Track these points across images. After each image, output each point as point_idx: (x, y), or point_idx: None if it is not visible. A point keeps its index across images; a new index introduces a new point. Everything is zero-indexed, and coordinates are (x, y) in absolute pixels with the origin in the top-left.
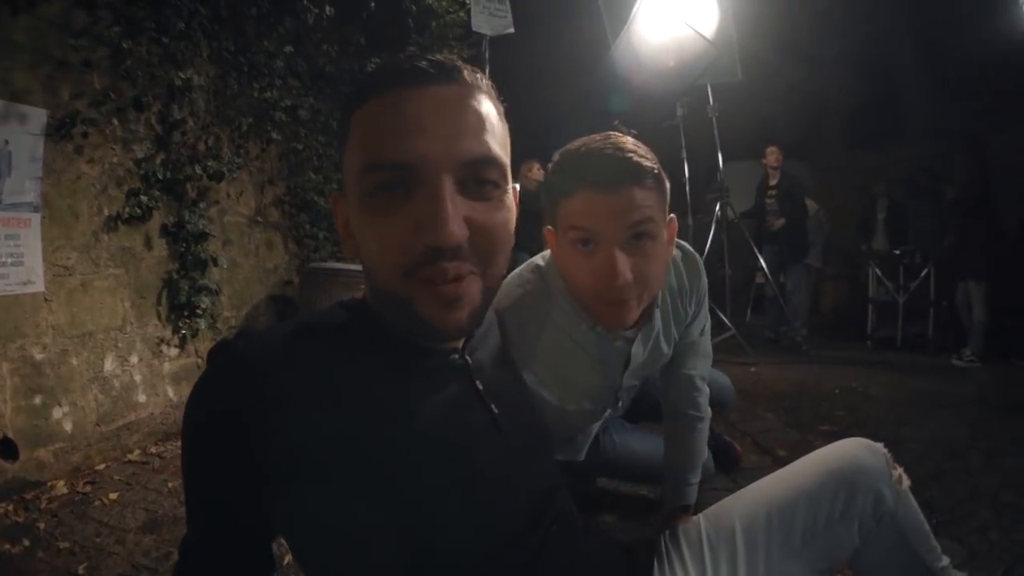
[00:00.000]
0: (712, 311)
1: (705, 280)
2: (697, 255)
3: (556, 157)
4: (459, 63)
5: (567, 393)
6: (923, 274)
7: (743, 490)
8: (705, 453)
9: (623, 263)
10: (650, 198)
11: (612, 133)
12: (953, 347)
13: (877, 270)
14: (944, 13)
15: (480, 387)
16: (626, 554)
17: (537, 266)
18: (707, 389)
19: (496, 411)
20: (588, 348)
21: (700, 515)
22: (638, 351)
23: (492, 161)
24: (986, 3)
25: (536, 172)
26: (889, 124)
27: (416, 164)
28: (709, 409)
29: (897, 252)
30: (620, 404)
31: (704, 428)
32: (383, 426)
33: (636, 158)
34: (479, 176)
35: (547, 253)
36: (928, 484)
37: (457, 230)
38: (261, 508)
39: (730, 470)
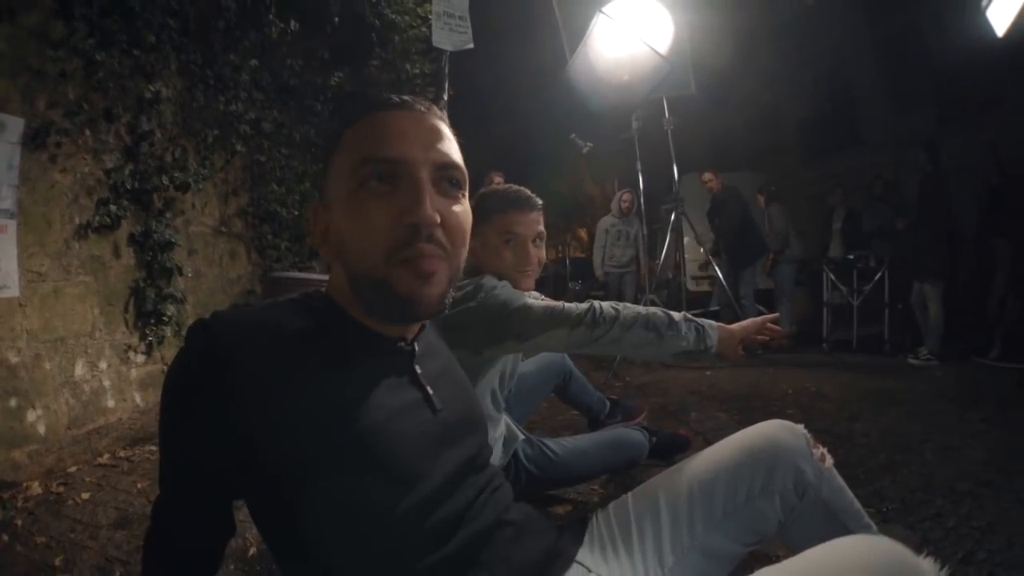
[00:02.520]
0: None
1: None
2: None
3: (480, 196)
4: (429, 102)
5: None
6: (877, 277)
7: (669, 469)
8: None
9: (534, 252)
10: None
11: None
12: (910, 347)
13: (831, 275)
14: (902, 24)
15: (419, 371)
16: (556, 528)
17: (465, 264)
18: None
19: (431, 392)
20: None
21: (629, 493)
22: None
23: (458, 166)
24: (943, 14)
25: (498, 181)
26: (845, 134)
27: (403, 160)
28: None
29: (851, 257)
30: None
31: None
32: (329, 395)
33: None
34: (449, 177)
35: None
36: (879, 475)
37: (432, 213)
38: (225, 464)
39: (678, 453)
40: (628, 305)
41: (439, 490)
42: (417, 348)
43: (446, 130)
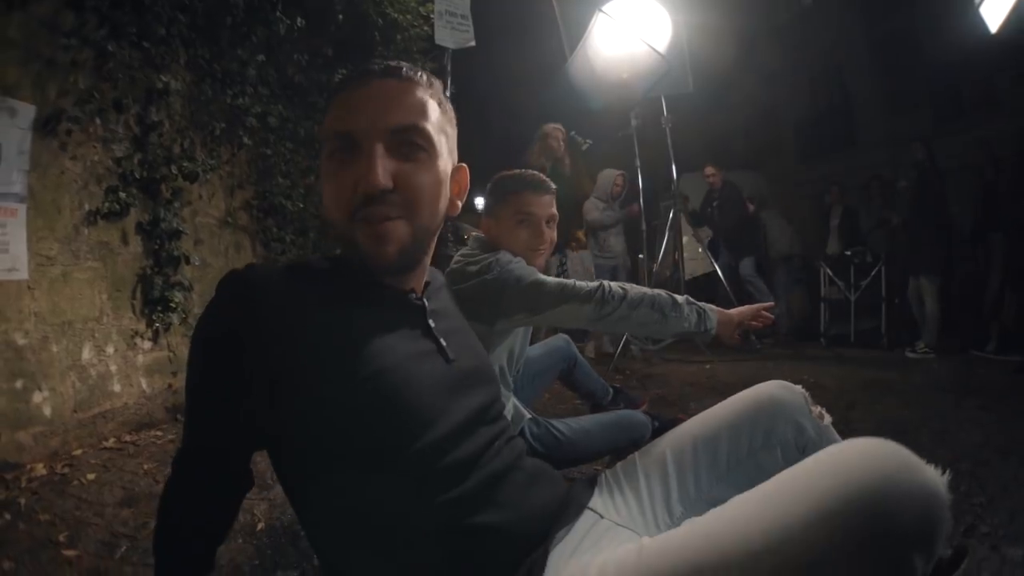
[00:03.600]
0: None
1: None
2: None
3: (497, 179)
4: (404, 65)
5: None
6: (874, 272)
7: (673, 429)
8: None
9: (547, 232)
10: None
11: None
12: (907, 341)
13: (828, 270)
14: (898, 26)
15: (432, 324)
16: (567, 481)
17: (473, 251)
18: None
19: (444, 343)
20: None
21: (636, 452)
22: None
23: (416, 129)
24: (939, 16)
25: (558, 137)
26: (843, 133)
27: (353, 132)
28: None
29: (848, 253)
30: None
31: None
32: (350, 336)
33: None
34: (406, 140)
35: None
36: None
37: (382, 180)
38: (252, 406)
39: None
40: (635, 286)
41: (454, 433)
42: (428, 304)
43: (415, 94)
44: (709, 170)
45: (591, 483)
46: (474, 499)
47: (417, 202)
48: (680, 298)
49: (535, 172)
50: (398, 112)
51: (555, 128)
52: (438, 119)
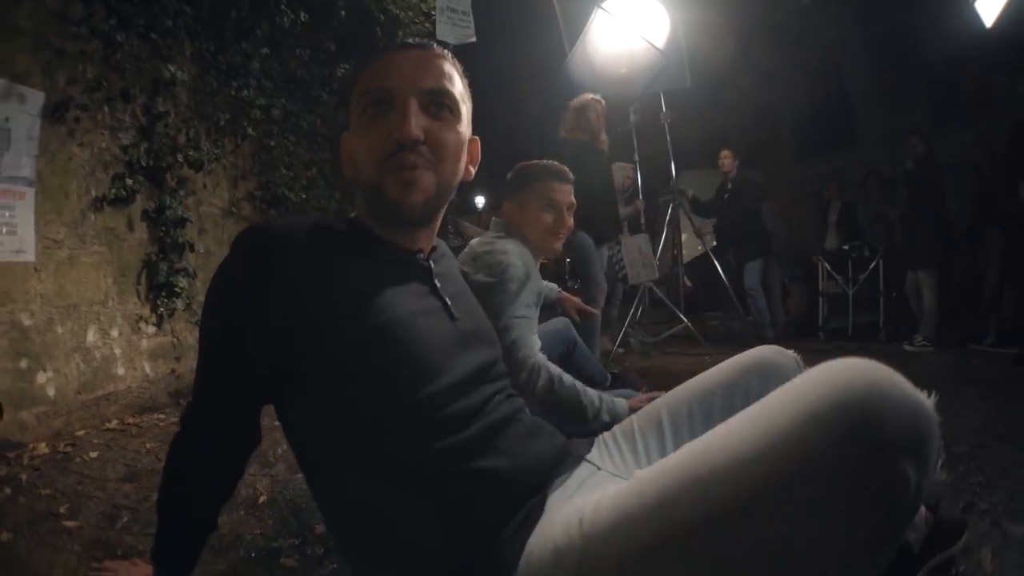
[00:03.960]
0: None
1: None
2: None
3: (519, 167)
4: (432, 42)
5: None
6: (871, 266)
7: (669, 392)
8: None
9: (567, 219)
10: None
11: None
12: (905, 335)
13: (826, 265)
14: (896, 23)
15: (438, 284)
16: (566, 436)
17: (499, 234)
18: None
19: (449, 302)
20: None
21: (632, 415)
22: None
23: (445, 92)
24: (936, 13)
25: (597, 110)
26: (841, 132)
27: (392, 88)
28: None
29: (846, 247)
30: None
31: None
32: (361, 288)
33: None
34: (436, 101)
35: (494, 230)
36: None
37: (415, 130)
38: (264, 356)
39: None
40: (567, 385)
41: (457, 385)
42: (434, 267)
43: (444, 65)
44: (724, 153)
45: (589, 440)
46: (474, 446)
47: (443, 156)
48: (592, 410)
49: (554, 162)
50: (431, 76)
51: (594, 99)
52: (461, 90)
